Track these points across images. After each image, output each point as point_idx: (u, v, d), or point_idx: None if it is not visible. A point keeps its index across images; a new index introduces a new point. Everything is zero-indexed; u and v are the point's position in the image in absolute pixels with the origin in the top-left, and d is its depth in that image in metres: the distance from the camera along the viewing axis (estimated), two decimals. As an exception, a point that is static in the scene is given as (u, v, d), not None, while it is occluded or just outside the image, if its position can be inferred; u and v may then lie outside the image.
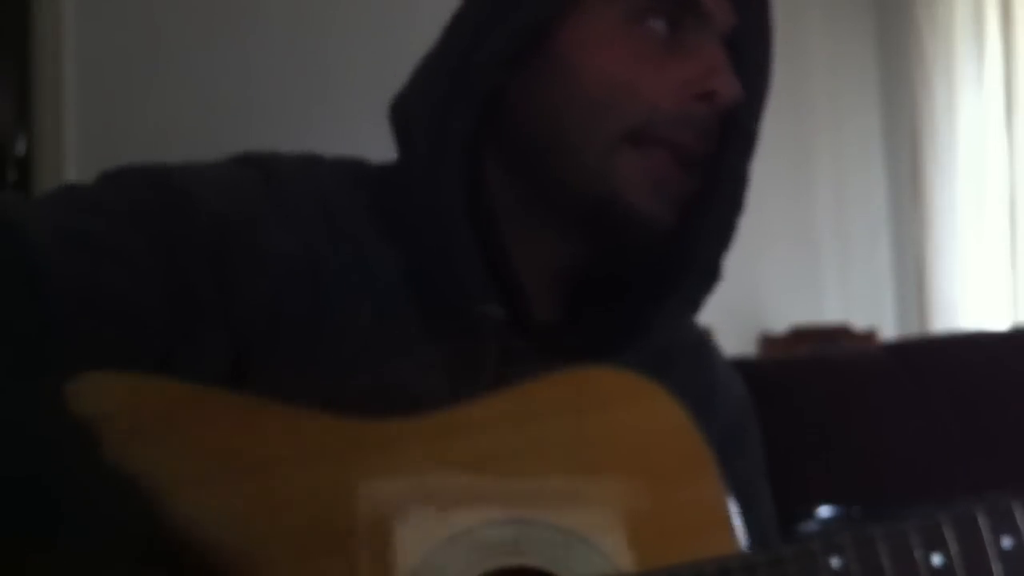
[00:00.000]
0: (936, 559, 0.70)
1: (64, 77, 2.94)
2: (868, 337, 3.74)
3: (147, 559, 0.62)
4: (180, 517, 0.64)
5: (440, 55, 0.84)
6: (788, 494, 1.01)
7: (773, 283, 4.05)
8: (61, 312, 0.67)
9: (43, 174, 2.94)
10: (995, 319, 3.83)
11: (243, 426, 0.70)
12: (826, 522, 1.37)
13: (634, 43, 0.81)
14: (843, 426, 1.60)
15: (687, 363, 0.90)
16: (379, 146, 0.91)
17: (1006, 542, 0.70)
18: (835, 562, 0.69)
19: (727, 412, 0.92)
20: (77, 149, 2.94)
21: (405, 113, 0.85)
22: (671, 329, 0.85)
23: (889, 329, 4.12)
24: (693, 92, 0.80)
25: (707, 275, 0.84)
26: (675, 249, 0.83)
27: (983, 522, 0.70)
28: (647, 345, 0.83)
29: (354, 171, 0.85)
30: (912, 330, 4.06)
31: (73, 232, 0.71)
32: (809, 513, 0.70)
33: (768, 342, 3.91)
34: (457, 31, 0.84)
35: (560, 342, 0.83)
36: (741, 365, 0.99)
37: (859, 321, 3.91)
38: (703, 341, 0.94)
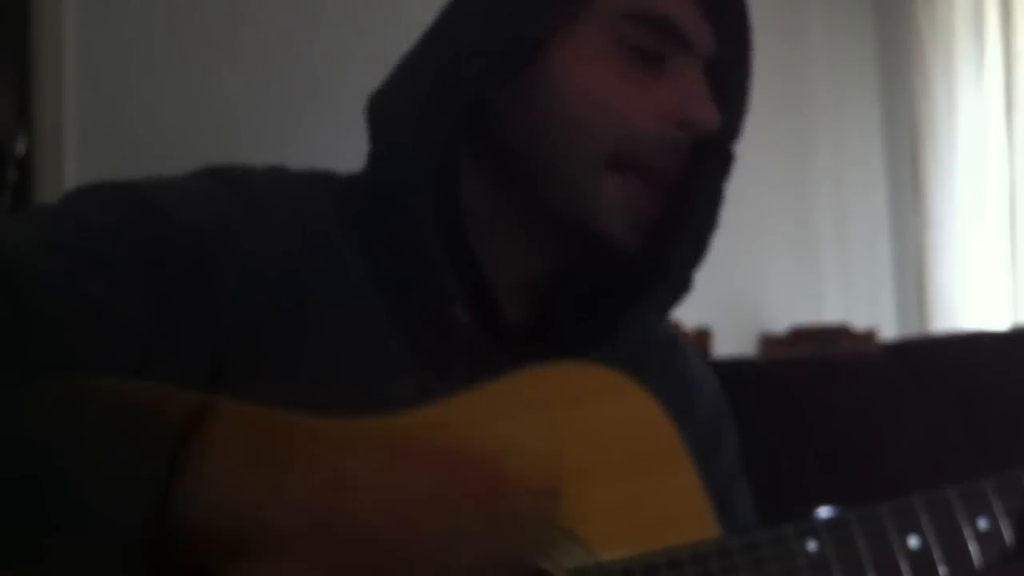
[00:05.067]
0: (912, 541, 0.71)
1: (64, 77, 2.94)
2: (868, 337, 3.74)
3: (139, 560, 0.62)
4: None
5: (424, 56, 0.85)
6: (787, 495, 1.01)
7: (773, 283, 4.05)
8: (44, 319, 0.68)
9: (43, 174, 2.94)
10: (995, 319, 3.83)
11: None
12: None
13: (619, 67, 0.82)
14: (843, 426, 1.60)
15: (660, 361, 0.91)
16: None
17: (982, 523, 0.71)
18: (811, 545, 0.70)
19: (703, 408, 0.93)
20: (77, 149, 2.94)
21: (382, 110, 0.85)
22: (638, 331, 0.87)
23: (889, 329, 4.12)
24: (672, 118, 0.82)
25: (678, 287, 0.87)
26: (646, 259, 0.85)
27: (958, 505, 0.71)
28: (615, 347, 0.84)
29: (322, 180, 0.86)
30: (912, 330, 4.06)
31: (54, 243, 0.71)
32: (808, 514, 0.71)
33: (768, 342, 3.91)
34: (443, 34, 0.85)
35: (529, 343, 0.84)
36: (741, 365, 0.99)
37: (859, 321, 3.91)
38: (674, 339, 0.96)
